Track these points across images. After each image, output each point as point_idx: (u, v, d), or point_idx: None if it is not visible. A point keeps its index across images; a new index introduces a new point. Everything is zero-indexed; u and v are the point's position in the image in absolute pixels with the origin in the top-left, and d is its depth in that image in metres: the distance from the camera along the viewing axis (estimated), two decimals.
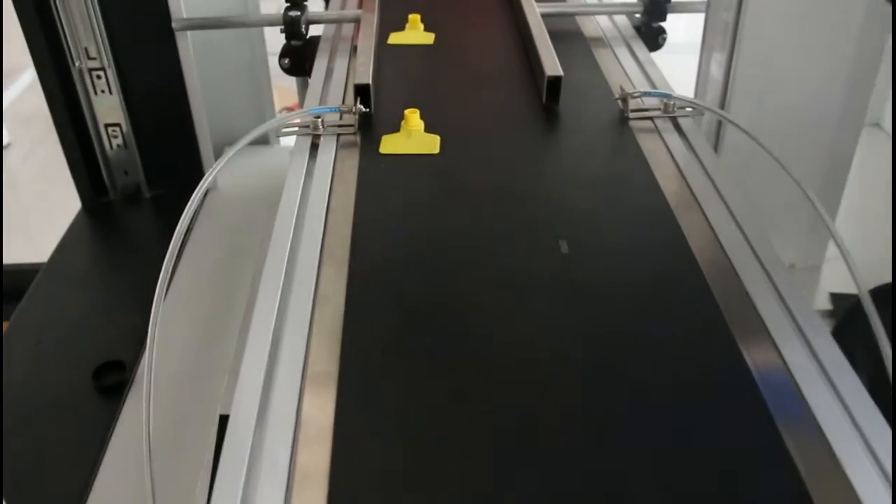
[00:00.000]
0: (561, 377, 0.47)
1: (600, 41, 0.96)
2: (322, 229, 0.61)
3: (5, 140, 2.35)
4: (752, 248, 0.58)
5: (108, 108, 1.08)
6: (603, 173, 0.69)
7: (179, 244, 0.60)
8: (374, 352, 0.50)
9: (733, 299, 0.53)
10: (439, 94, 0.83)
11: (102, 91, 1.06)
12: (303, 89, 1.01)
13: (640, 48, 0.92)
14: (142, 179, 1.15)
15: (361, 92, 0.76)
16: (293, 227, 0.61)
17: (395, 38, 0.95)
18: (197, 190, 0.64)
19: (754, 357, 0.48)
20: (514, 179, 0.68)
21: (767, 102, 0.81)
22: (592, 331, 0.51)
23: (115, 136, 1.11)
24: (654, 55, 0.93)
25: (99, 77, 1.05)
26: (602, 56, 0.91)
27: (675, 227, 0.61)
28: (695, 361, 0.49)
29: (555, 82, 0.77)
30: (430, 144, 0.72)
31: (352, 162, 0.70)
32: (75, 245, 1.08)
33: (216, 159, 1.19)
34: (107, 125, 1.10)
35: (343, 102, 0.79)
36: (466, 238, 0.61)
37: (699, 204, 0.63)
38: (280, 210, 0.64)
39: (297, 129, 0.74)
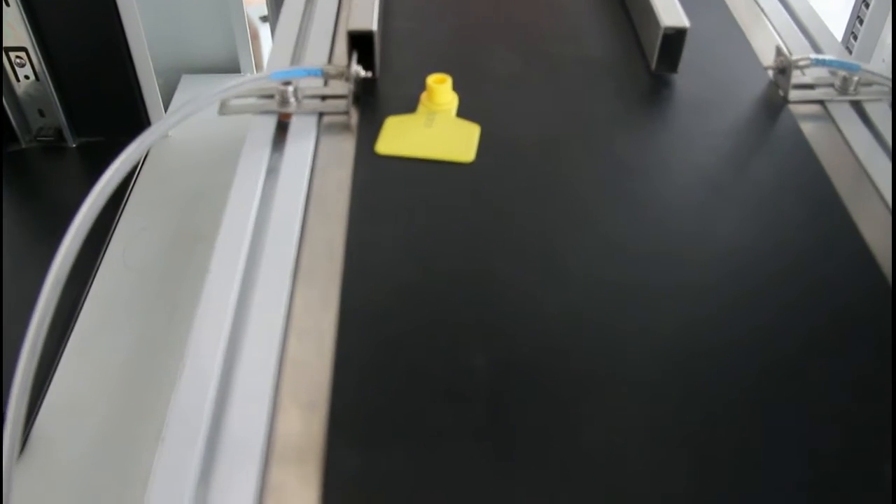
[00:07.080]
0: None
1: None
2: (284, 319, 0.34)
3: None
4: None
5: (7, 25, 0.78)
6: (761, 220, 0.41)
7: (89, 225, 0.35)
8: None
9: None
10: (481, 53, 0.53)
11: None
12: (275, 16, 0.70)
13: None
14: (63, 122, 0.87)
15: (360, 44, 0.46)
16: (234, 305, 0.34)
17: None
18: (122, 154, 0.37)
19: None
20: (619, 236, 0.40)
21: None
22: None
23: (22, 64, 0.82)
24: None
25: None
26: None
27: None
28: None
29: (674, 38, 0.47)
30: (464, 142, 0.44)
31: (341, 168, 0.42)
32: None
33: (164, 93, 0.91)
34: (8, 49, 0.80)
35: (329, 61, 0.50)
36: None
37: None
38: (216, 263, 0.36)
39: (252, 101, 0.46)
